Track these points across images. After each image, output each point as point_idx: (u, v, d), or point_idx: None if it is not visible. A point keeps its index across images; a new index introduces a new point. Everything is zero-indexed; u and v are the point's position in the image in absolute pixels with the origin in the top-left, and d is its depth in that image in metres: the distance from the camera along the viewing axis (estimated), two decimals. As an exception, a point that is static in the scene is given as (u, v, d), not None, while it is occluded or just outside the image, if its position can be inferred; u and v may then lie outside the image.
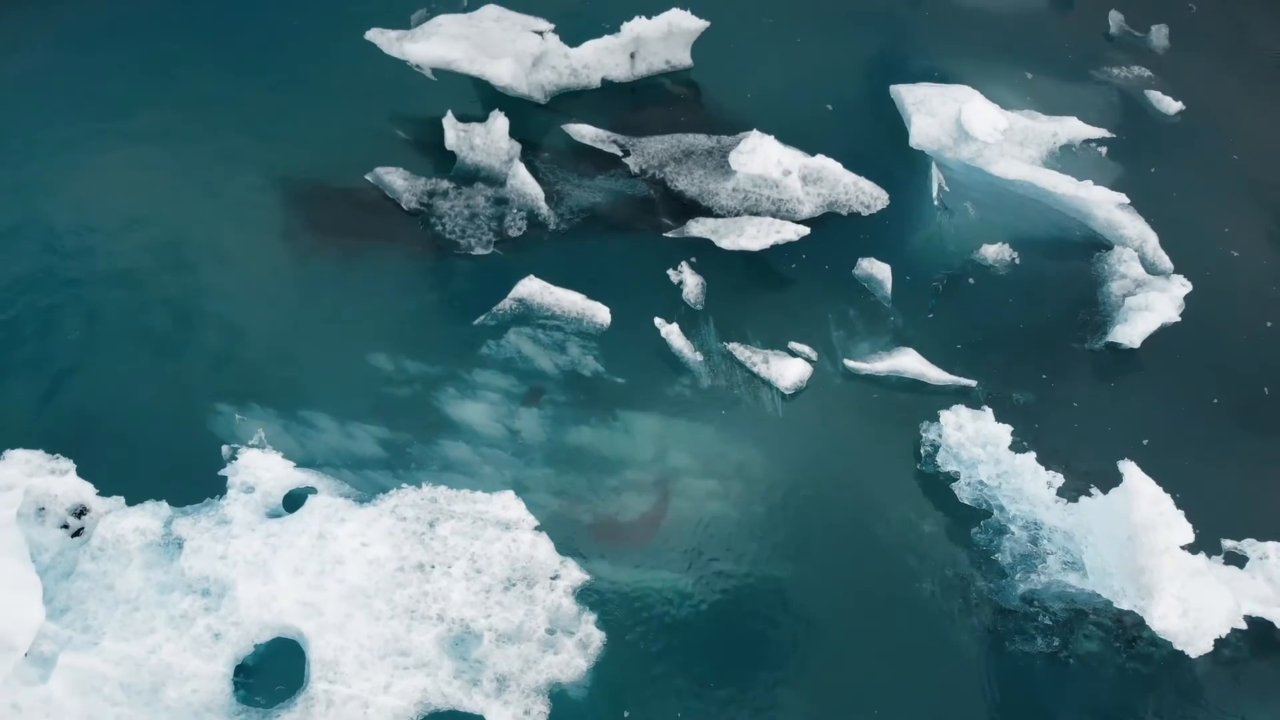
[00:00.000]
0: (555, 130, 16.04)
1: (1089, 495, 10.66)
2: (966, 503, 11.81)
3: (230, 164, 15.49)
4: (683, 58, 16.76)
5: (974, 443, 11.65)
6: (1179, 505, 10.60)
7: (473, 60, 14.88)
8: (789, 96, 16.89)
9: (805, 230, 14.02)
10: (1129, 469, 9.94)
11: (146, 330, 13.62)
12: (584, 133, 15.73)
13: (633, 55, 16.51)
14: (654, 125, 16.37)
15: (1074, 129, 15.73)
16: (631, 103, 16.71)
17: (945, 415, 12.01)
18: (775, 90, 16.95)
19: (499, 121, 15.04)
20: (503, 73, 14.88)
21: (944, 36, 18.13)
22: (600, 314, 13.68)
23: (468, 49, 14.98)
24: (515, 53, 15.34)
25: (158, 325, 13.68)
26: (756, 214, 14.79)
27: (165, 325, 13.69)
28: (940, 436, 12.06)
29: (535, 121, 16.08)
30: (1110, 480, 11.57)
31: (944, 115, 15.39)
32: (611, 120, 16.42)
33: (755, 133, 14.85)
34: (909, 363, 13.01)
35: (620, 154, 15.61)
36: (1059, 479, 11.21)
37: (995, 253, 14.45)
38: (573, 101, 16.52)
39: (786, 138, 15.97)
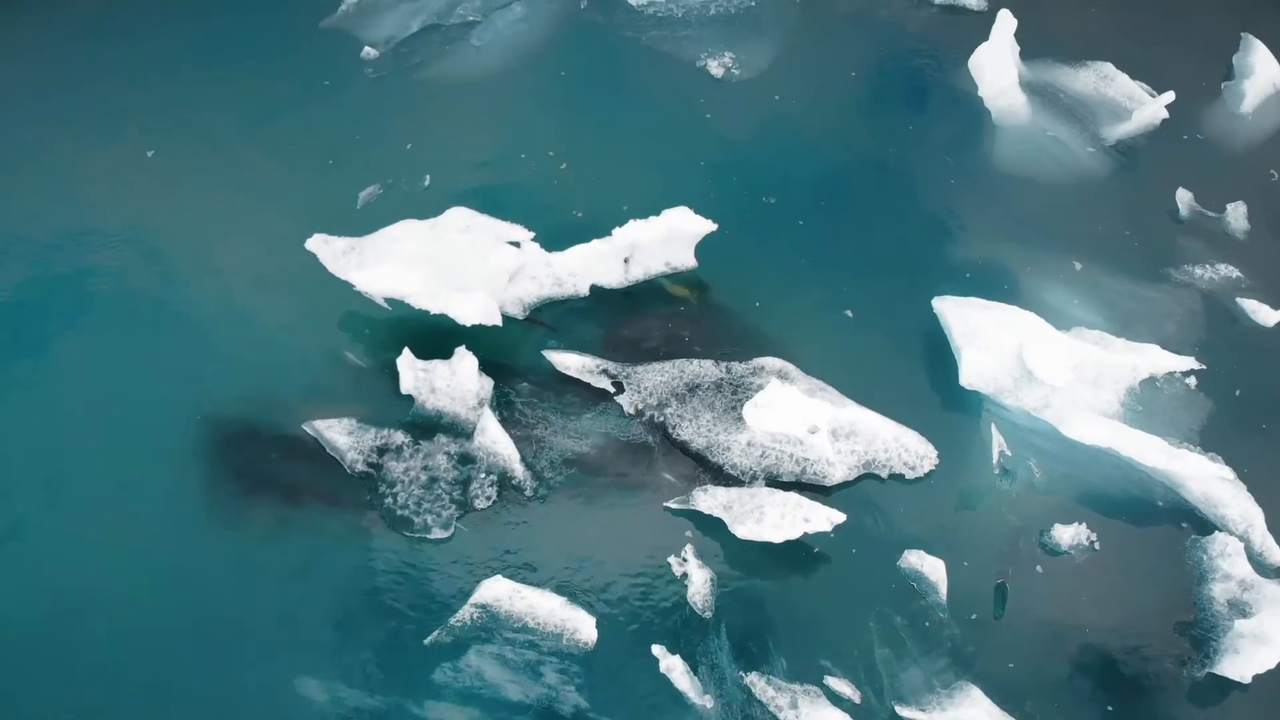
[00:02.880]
0: (534, 352, 13.35)
1: None
2: None
3: (145, 397, 12.90)
4: (685, 258, 14.11)
5: None
6: None
7: (434, 295, 12.20)
8: (805, 301, 14.20)
9: (840, 518, 11.36)
10: None
11: (22, 645, 11.02)
12: (568, 363, 13.07)
13: (627, 260, 13.88)
14: (652, 340, 13.71)
15: (1156, 360, 13.13)
16: (626, 310, 14.04)
17: (1028, 821, 9.37)
18: (789, 294, 14.25)
19: (465, 361, 12.36)
20: (471, 311, 12.18)
21: (983, 218, 15.43)
22: (584, 628, 11.00)
23: (428, 277, 12.31)
24: (487, 274, 12.68)
25: (43, 633, 11.09)
26: (777, 477, 12.15)
27: (51, 628, 11.10)
28: (1021, 844, 9.43)
29: (510, 340, 13.40)
30: None
31: (1000, 350, 12.77)
32: (602, 335, 13.76)
33: (774, 381, 12.19)
34: (974, 715, 10.35)
35: (612, 390, 12.97)
36: None
37: (1070, 536, 11.81)
38: (557, 311, 13.85)
39: (806, 360, 13.37)
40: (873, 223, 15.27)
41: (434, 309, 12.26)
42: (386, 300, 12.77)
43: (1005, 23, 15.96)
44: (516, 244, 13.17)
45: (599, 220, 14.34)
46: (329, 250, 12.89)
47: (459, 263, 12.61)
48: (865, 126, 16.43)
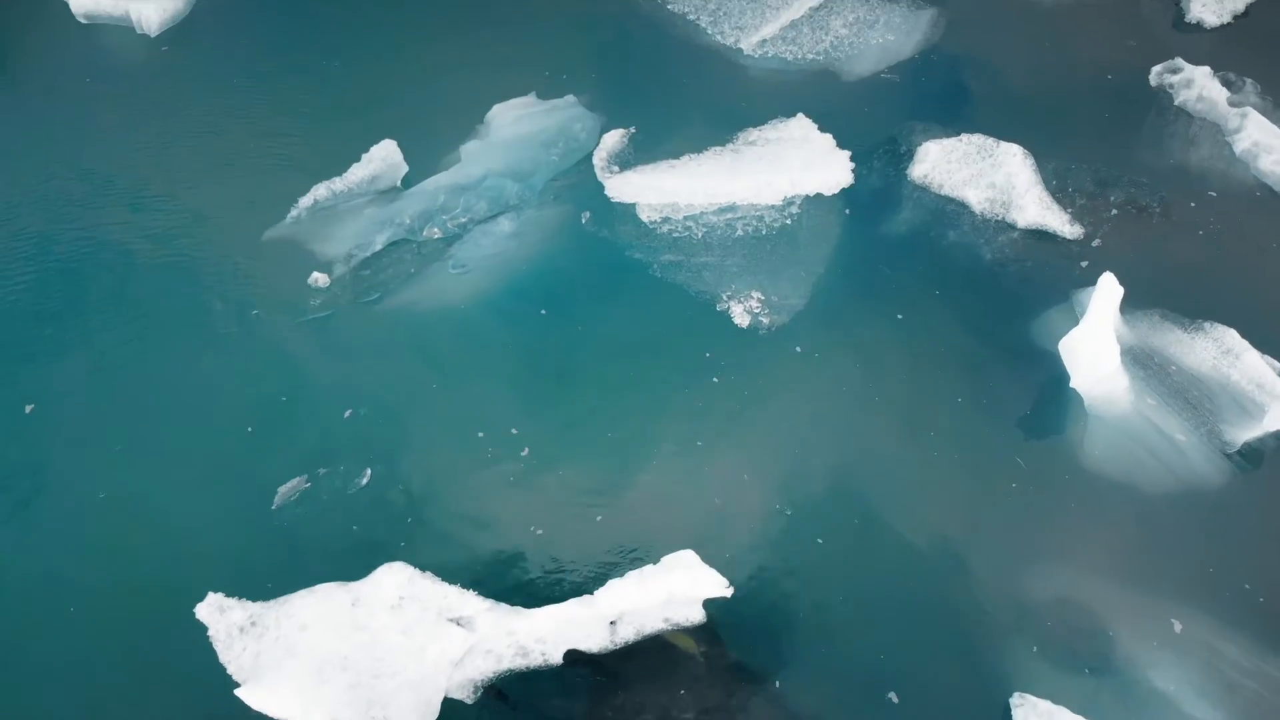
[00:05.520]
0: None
1: None
2: None
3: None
4: (690, 614, 10.97)
5: None
6: None
7: (340, 736, 9.12)
8: (839, 674, 10.98)
9: None
10: None
11: None
12: (526, 789, 10.01)
13: (614, 622, 10.78)
14: (640, 729, 10.63)
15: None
16: (611, 679, 10.87)
17: None
18: (818, 660, 11.04)
19: (383, 809, 9.30)
20: (388, 761, 9.11)
21: (1063, 544, 12.10)
22: None
23: (338, 698, 9.23)
24: (424, 674, 9.59)
25: None
26: None
27: None
28: None
29: (455, 733, 10.35)
30: None
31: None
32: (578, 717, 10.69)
33: None
34: None
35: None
36: None
37: None
38: (520, 681, 10.77)
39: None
40: (918, 550, 11.95)
41: (343, 759, 9.18)
42: (286, 727, 9.72)
43: (1108, 293, 12.70)
44: (468, 619, 10.10)
45: (564, 541, 11.40)
46: (223, 625, 9.88)
47: (386, 663, 9.54)
48: (913, 404, 13.08)
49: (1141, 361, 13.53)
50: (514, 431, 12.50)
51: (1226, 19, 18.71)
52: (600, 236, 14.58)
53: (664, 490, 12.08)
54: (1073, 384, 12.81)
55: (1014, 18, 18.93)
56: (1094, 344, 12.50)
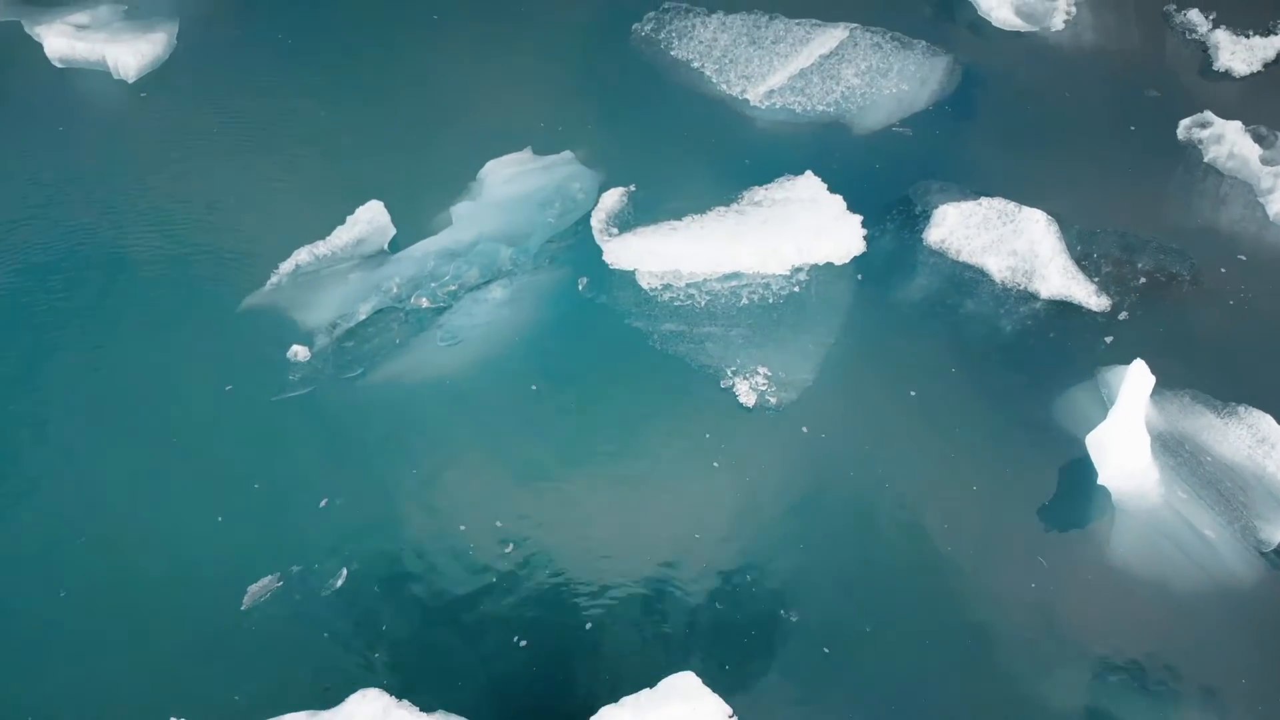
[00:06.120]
0: None
1: None
2: None
3: None
4: (688, 737, 10.22)
5: None
6: None
7: None
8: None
9: None
10: None
11: None
12: None
13: (605, 749, 10.01)
14: None
15: None
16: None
17: None
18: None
19: None
20: None
21: (1089, 648, 11.29)
22: None
23: None
24: (392, 821, 8.82)
25: None
26: None
27: None
28: None
29: None
30: None
31: None
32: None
33: None
34: None
35: None
36: None
37: None
38: (503, 806, 10.04)
39: None
40: (931, 660, 11.05)
41: None
42: None
43: (1138, 383, 11.85)
44: (445, 756, 9.34)
45: (551, 655, 10.62)
46: (176, 757, 9.10)
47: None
48: (927, 496, 12.16)
49: (1172, 449, 12.70)
50: (498, 524, 11.71)
51: (1257, 67, 17.93)
52: (598, 304, 13.80)
53: (660, 593, 11.27)
54: (1100, 480, 11.99)
55: (1031, 64, 18.14)
56: (1123, 439, 11.69)
